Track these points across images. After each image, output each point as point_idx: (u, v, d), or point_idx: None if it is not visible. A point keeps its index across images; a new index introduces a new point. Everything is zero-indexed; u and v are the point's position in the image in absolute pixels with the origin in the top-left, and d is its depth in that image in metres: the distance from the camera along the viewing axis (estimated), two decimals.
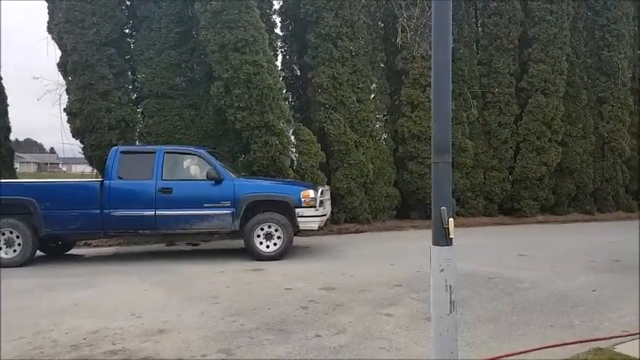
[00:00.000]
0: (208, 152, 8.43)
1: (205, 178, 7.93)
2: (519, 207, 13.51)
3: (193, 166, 8.31)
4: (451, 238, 3.03)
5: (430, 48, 10.91)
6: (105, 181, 8.04)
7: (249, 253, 7.97)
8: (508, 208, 13.82)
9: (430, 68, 10.33)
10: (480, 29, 13.61)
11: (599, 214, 14.11)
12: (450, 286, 3.10)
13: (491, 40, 13.24)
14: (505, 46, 13.06)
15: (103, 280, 6.61)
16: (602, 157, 14.12)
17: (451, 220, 2.94)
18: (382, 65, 12.79)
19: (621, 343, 4.03)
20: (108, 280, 6.68)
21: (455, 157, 12.83)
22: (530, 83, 13.11)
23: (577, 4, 13.69)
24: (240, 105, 10.19)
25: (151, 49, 11.26)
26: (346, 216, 12.09)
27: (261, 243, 7.96)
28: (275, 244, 7.97)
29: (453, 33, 11.59)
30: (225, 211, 7.92)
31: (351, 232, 11.53)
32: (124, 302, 5.51)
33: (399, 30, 11.82)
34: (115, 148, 8.41)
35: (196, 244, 8.88)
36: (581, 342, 4.06)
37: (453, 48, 11.45)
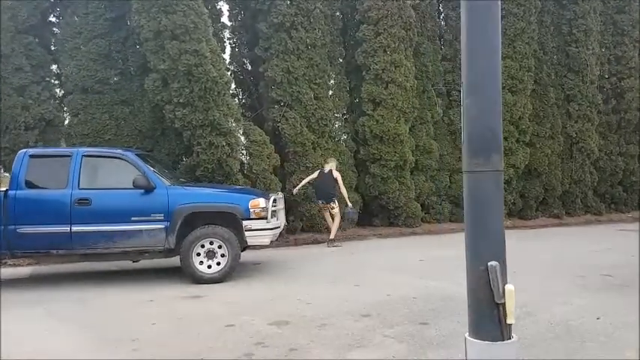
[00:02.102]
0: (138, 155, 7.07)
1: (132, 186, 6.59)
2: None
3: (118, 173, 6.91)
4: (510, 326, 1.84)
5: (394, 42, 9.84)
6: (9, 191, 6.57)
7: (187, 274, 6.67)
8: None
9: (392, 63, 9.18)
10: (443, 23, 12.73)
11: (567, 218, 13.48)
12: None
13: (456, 35, 12.40)
14: None
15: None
16: (570, 158, 13.50)
17: (510, 288, 1.78)
18: (341, 60, 11.68)
19: None
20: (7, 315, 5.25)
21: (419, 159, 11.91)
22: None
23: None
24: (180, 101, 8.87)
25: (77, 38, 9.83)
26: (303, 225, 10.92)
27: (201, 263, 6.67)
28: (218, 264, 6.70)
29: (416, 26, 10.62)
30: (157, 226, 6.60)
31: (308, 243, 10.35)
32: (9, 354, 4.13)
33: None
34: (23, 151, 6.92)
35: (136, 260, 7.52)
36: None
37: (416, 42, 10.45)
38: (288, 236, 10.32)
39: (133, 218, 6.60)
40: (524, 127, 12.49)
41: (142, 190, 6.65)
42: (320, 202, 9.94)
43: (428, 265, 7.56)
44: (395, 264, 7.76)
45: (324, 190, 9.80)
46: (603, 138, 13.90)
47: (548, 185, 13.15)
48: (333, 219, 9.99)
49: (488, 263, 1.79)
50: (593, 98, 13.25)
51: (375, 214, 11.93)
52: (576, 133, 13.24)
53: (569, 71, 13.26)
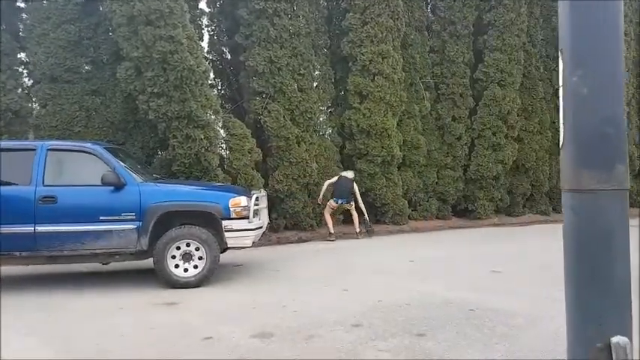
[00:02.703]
0: (107, 149, 6.51)
1: (101, 182, 6.04)
2: (474, 208, 12.39)
3: (86, 168, 6.34)
4: None
5: (382, 31, 9.32)
6: None
7: (161, 278, 6.16)
8: (462, 210, 12.68)
9: (380, 53, 8.64)
10: (431, 14, 12.31)
11: (554, 215, 13.25)
12: None
13: (445, 26, 12.01)
14: (459, 32, 11.85)
15: None
16: (557, 153, 13.22)
17: None
18: (326, 50, 11.18)
19: None
20: None
21: (407, 155, 11.52)
22: (486, 74, 11.98)
23: None
24: (155, 91, 8.30)
25: (46, 24, 9.17)
26: (287, 222, 10.45)
27: (177, 266, 6.16)
28: (195, 267, 6.20)
29: (404, 16, 10.16)
30: (129, 226, 6.06)
31: (292, 242, 9.90)
32: None
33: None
34: None
35: (106, 263, 6.98)
36: None
37: (404, 32, 9.98)
38: (270, 235, 9.86)
39: (101, 218, 6.06)
40: (512, 122, 12.19)
41: (112, 188, 6.10)
42: (340, 201, 10.06)
43: (418, 267, 7.16)
44: (384, 265, 7.34)
45: (346, 191, 10.04)
46: None
47: (536, 181, 12.89)
48: (351, 215, 10.37)
49: (612, 339, 1.07)
50: None
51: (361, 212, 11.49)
52: None
53: (558, 65, 12.92)
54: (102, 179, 6.01)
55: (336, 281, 6.35)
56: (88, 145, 6.53)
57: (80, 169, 6.37)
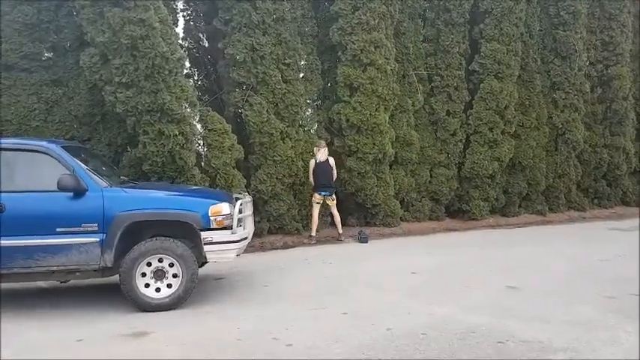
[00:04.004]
0: (65, 148, 5.56)
1: (57, 188, 5.10)
2: (468, 209, 11.69)
3: (41, 171, 5.37)
4: None
5: (374, 18, 8.42)
6: None
7: (130, 300, 5.26)
8: (455, 210, 11.98)
9: (372, 42, 7.69)
10: (424, 0, 11.48)
11: (550, 215, 12.65)
12: None
13: (439, 13, 11.22)
14: (455, 20, 11.07)
15: None
16: (555, 150, 12.64)
17: None
18: (313, 38, 10.28)
19: None
20: None
21: (399, 152, 10.75)
22: (483, 65, 11.24)
23: None
24: (123, 80, 7.31)
25: None
26: (271, 226, 9.58)
27: (147, 285, 5.27)
28: (169, 287, 5.31)
29: (397, 2, 9.32)
30: (90, 239, 5.15)
31: (277, 248, 9.05)
32: None
33: None
34: None
35: (65, 281, 6.06)
36: None
37: (397, 19, 9.15)
38: (253, 239, 8.94)
39: (58, 229, 5.13)
40: (510, 117, 11.49)
41: (70, 194, 5.17)
42: (322, 193, 9.33)
43: (423, 280, 6.39)
44: (383, 278, 6.55)
45: (328, 180, 9.37)
46: (588, 129, 13.07)
47: (532, 180, 12.24)
48: (331, 212, 9.71)
49: None
50: (580, 86, 12.37)
51: (350, 213, 10.72)
52: (562, 124, 12.35)
53: (556, 57, 12.30)
54: (58, 184, 5.07)
55: (333, 300, 5.54)
56: (44, 143, 5.54)
57: (33, 173, 5.40)
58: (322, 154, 9.30)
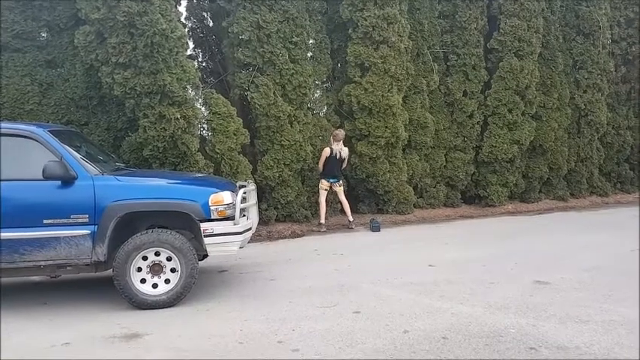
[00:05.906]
0: (55, 132, 5.13)
1: (43, 176, 4.68)
2: (485, 195, 11.16)
3: (28, 158, 4.96)
4: None
5: None
6: None
7: (124, 297, 4.86)
8: (472, 196, 11.47)
9: (385, 18, 6.99)
10: None
11: (572, 200, 12.10)
12: None
13: None
14: None
15: None
16: (577, 132, 12.03)
17: None
18: (321, 15, 9.71)
19: None
20: None
21: (413, 136, 10.23)
22: (502, 42, 10.62)
23: None
24: (120, 60, 6.88)
25: None
26: (278, 214, 9.16)
27: (143, 281, 4.87)
28: (167, 282, 4.92)
29: None
30: (80, 231, 4.75)
31: (285, 237, 8.62)
32: None
33: None
34: None
35: (55, 276, 5.70)
36: None
37: None
38: (260, 228, 8.56)
39: (45, 221, 4.73)
40: (530, 97, 10.89)
41: (59, 183, 4.77)
42: (331, 180, 9.07)
43: (441, 274, 5.90)
44: (398, 271, 6.07)
45: (338, 170, 9.11)
46: (611, 110, 12.46)
47: (554, 164, 11.66)
48: (339, 197, 9.30)
49: None
50: (604, 65, 11.72)
51: (361, 200, 10.28)
52: (585, 105, 11.74)
53: (579, 34, 11.65)
54: (43, 172, 4.65)
55: (344, 297, 5.10)
56: (32, 128, 5.11)
57: (20, 160, 4.98)
58: (340, 146, 8.93)
